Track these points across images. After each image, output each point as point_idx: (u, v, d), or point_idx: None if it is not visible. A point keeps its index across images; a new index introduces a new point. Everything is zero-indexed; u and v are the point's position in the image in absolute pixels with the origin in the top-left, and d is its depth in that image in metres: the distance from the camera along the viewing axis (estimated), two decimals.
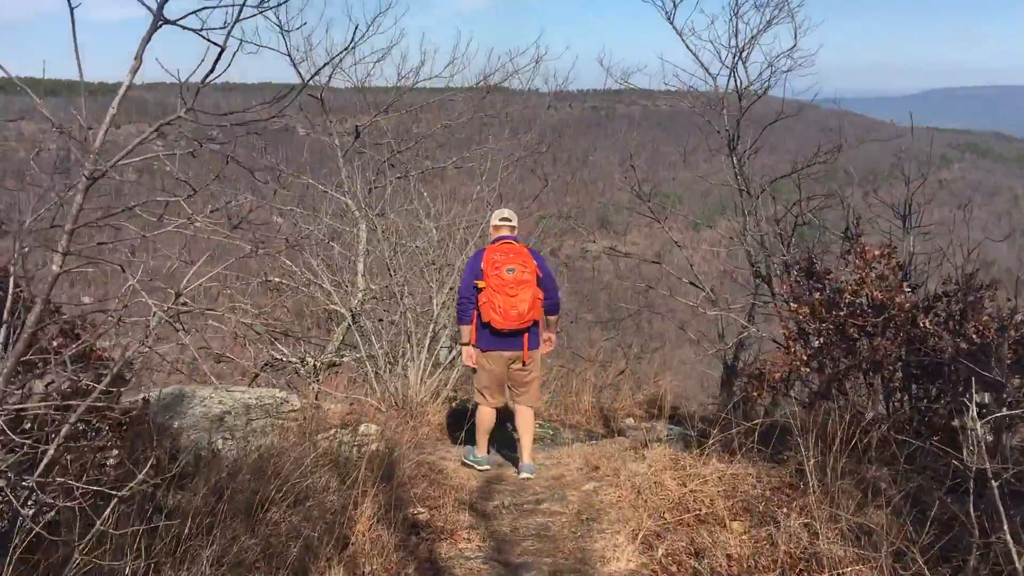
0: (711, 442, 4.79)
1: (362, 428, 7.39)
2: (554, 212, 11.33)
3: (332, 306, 8.83)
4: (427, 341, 7.94)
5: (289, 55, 9.11)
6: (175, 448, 4.59)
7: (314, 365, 10.16)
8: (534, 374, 5.84)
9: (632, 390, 8.65)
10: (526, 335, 5.65)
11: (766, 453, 4.78)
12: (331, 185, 9.44)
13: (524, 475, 5.58)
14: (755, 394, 5.58)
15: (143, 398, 4.71)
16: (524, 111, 11.18)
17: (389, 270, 7.94)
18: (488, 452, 6.06)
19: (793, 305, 5.32)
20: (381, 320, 8.18)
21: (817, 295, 5.30)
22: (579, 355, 11.04)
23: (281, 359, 10.22)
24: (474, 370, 5.92)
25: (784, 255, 7.71)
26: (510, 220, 5.89)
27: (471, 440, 6.22)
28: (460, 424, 7.48)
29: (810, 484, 4.30)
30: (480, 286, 5.57)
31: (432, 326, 7.99)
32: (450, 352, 8.28)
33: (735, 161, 8.38)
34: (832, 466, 4.33)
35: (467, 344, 5.81)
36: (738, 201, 8.78)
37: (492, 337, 5.64)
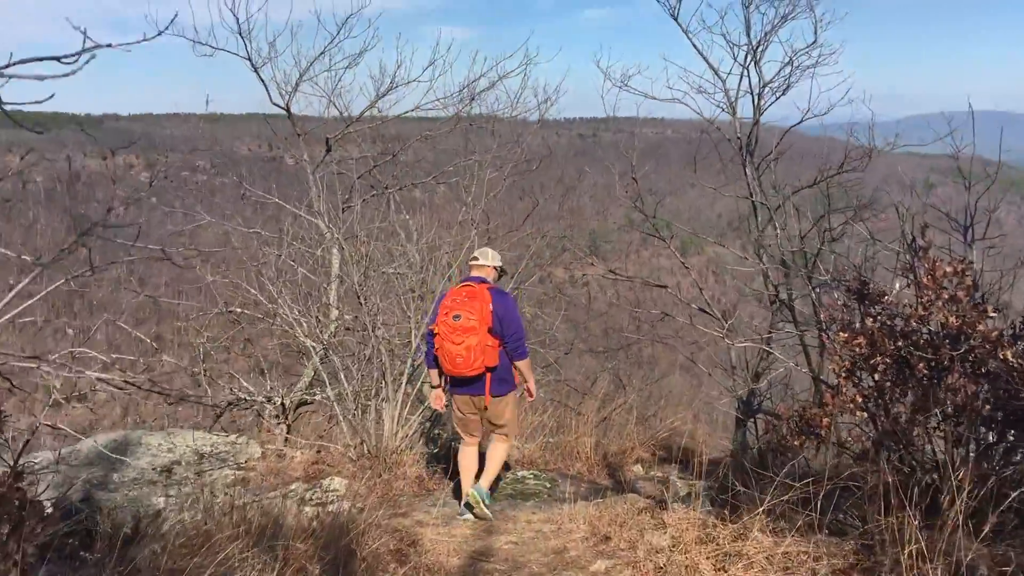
0: (755, 512, 3.77)
1: (326, 482, 6.36)
2: (545, 235, 10.37)
3: (301, 339, 7.80)
4: (404, 379, 6.92)
5: (249, 58, 8.21)
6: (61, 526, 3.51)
7: (282, 404, 9.15)
8: (504, 418, 5.62)
9: (637, 430, 7.63)
10: (488, 379, 5.43)
11: (819, 520, 3.79)
12: (302, 206, 8.48)
13: (472, 492, 5.36)
14: (795, 442, 4.57)
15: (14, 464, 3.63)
16: (511, 130, 10.26)
17: (359, 298, 6.93)
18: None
19: (843, 335, 4.34)
20: (352, 355, 7.15)
21: (870, 321, 4.33)
22: (575, 388, 10.06)
23: (246, 397, 9.20)
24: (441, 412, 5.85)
25: (809, 275, 6.77)
26: (478, 260, 5.71)
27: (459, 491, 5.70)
28: (445, 473, 6.47)
29: (884, 564, 3.32)
30: (434, 331, 5.41)
31: (410, 360, 6.97)
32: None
33: (750, 171, 7.45)
34: (909, 539, 3.35)
35: (435, 387, 5.70)
36: (751, 217, 7.85)
37: (456, 382, 5.51)
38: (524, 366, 5.54)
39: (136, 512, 6.22)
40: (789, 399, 6.87)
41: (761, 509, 3.75)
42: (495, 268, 5.71)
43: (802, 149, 8.90)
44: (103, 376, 2.51)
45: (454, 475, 6.53)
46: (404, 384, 6.95)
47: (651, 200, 8.21)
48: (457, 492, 5.81)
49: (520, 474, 6.43)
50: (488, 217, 9.11)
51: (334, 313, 8.61)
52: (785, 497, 3.71)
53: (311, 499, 6.13)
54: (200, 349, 8.70)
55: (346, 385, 6.94)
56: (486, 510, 5.28)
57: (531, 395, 5.75)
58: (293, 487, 6.38)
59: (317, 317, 8.14)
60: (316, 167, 8.95)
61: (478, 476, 5.58)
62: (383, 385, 6.91)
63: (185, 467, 7.33)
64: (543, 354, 8.89)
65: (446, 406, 5.81)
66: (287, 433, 9.54)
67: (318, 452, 7.19)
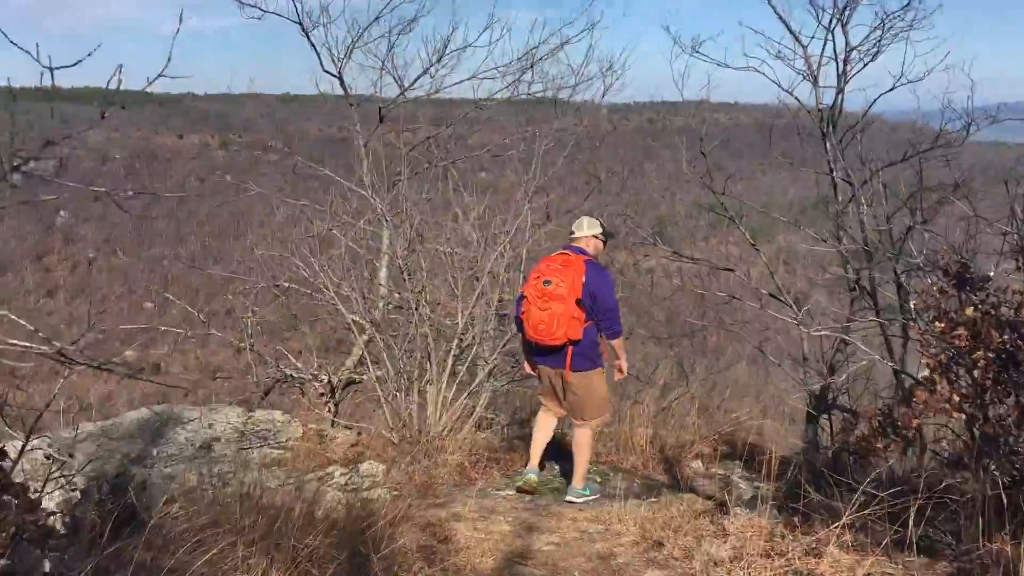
0: (834, 525, 3.26)
1: (364, 467, 6.02)
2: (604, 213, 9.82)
3: (348, 317, 7.47)
4: (450, 361, 6.53)
5: (300, 22, 7.89)
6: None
7: (329, 383, 8.88)
8: (582, 396, 5.34)
9: (697, 422, 7.11)
10: (569, 352, 5.19)
11: (904, 534, 3.26)
12: (353, 180, 8.13)
13: (568, 498, 5.26)
14: (878, 444, 4.02)
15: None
16: (574, 109, 9.68)
17: (403, 273, 6.54)
18: (542, 468, 5.66)
19: (940, 325, 3.78)
20: (395, 335, 6.78)
21: (971, 310, 3.76)
22: (635, 376, 9.56)
23: (292, 375, 8.96)
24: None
25: (896, 257, 6.14)
26: (574, 232, 5.56)
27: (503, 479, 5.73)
28: (492, 461, 6.08)
29: None
30: (524, 294, 5.28)
31: (456, 341, 6.58)
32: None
33: (831, 144, 6.82)
34: (1013, 562, 2.82)
35: (525, 352, 5.62)
36: (831, 196, 7.21)
37: (538, 351, 5.35)
38: (617, 345, 5.34)
39: (168, 490, 6.00)
40: (868, 395, 6.27)
41: (842, 522, 3.23)
42: (596, 236, 5.52)
43: (880, 136, 8.19)
44: (29, 345, 2.15)
45: (505, 460, 6.17)
46: (450, 366, 6.57)
47: (720, 178, 7.60)
48: (562, 460, 5.87)
49: (562, 470, 5.98)
50: (547, 193, 8.64)
51: (383, 291, 8.28)
52: (869, 510, 3.19)
53: (347, 484, 5.81)
54: (247, 324, 8.48)
55: (389, 366, 6.58)
56: (589, 496, 5.28)
57: (622, 372, 5.51)
58: (330, 470, 6.07)
59: (363, 294, 7.81)
60: (368, 139, 8.61)
61: (543, 463, 5.53)
62: (427, 367, 6.54)
63: (225, 444, 7.09)
64: None
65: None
66: (334, 413, 9.29)
67: (359, 434, 6.86)
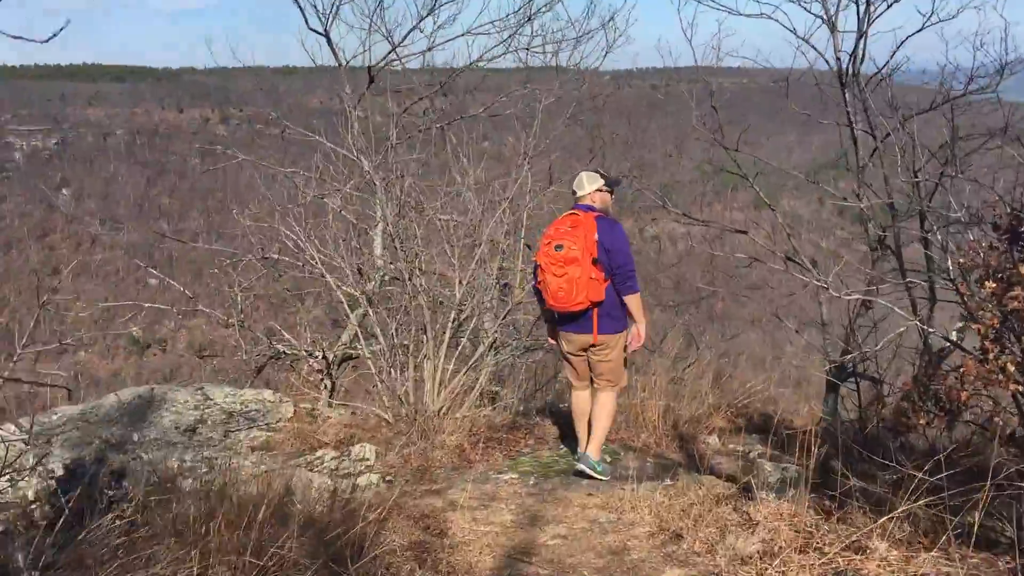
0: (884, 516, 2.84)
1: (356, 449, 5.62)
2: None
3: (341, 288, 7.04)
4: (447, 333, 6.12)
5: None
6: None
7: (324, 358, 8.47)
8: (610, 359, 5.09)
9: (710, 394, 6.69)
10: (595, 314, 4.95)
11: (956, 525, 2.85)
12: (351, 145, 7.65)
13: (579, 467, 4.99)
14: (919, 420, 3.60)
15: None
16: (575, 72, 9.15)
17: (393, 241, 6.11)
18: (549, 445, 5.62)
19: (992, 285, 3.34)
20: (389, 307, 6.36)
21: None
22: (643, 345, 9.14)
23: (285, 351, 8.56)
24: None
25: (924, 213, 5.69)
26: (576, 191, 5.22)
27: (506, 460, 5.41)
28: (495, 442, 5.68)
29: None
30: (538, 262, 5.06)
31: (454, 313, 6.15)
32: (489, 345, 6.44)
33: (851, 94, 6.34)
34: None
35: (547, 322, 5.43)
36: (850, 150, 6.74)
37: (563, 318, 5.09)
38: (633, 301, 5.01)
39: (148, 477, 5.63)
40: (899, 361, 5.85)
41: (897, 512, 2.81)
42: (600, 190, 5.20)
43: (905, 89, 7.64)
44: None
45: (508, 440, 5.76)
46: (448, 340, 6.15)
47: (733, 134, 7.11)
48: (571, 438, 5.53)
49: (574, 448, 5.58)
50: (548, 156, 8.17)
51: (378, 262, 7.86)
52: (921, 500, 2.76)
53: (337, 469, 5.42)
54: (234, 298, 8.06)
55: (382, 340, 6.17)
56: (601, 476, 4.95)
57: (640, 338, 5.14)
58: (320, 453, 5.67)
59: (359, 267, 7.38)
60: (357, 102, 8.13)
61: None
62: (424, 341, 6.13)
63: (211, 427, 6.71)
64: None
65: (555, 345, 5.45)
66: (331, 391, 8.91)
67: (353, 414, 6.47)
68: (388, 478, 5.07)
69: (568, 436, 5.78)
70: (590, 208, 5.07)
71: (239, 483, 3.61)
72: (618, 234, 4.96)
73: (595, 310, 4.93)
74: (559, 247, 4.86)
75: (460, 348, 6.28)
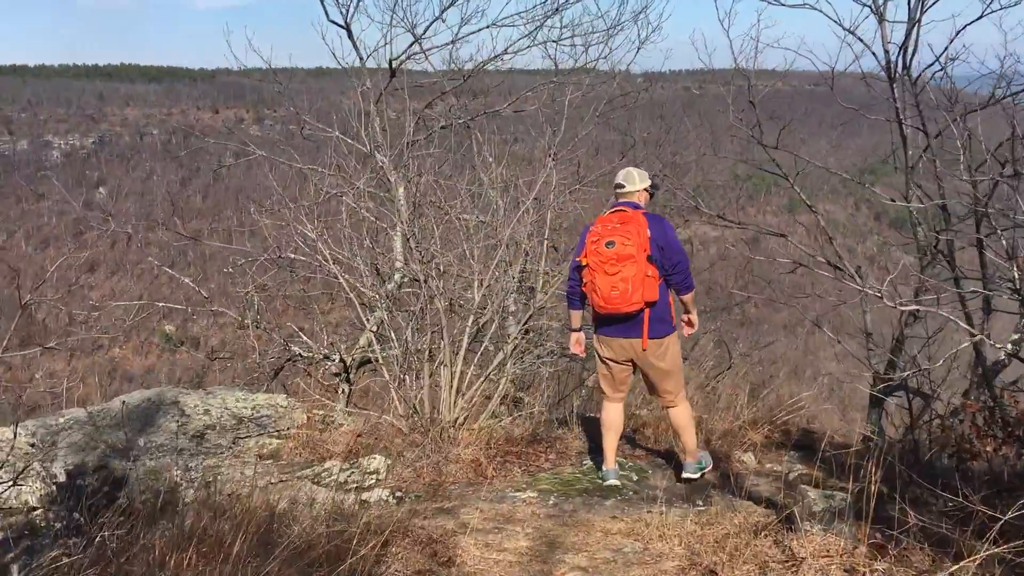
0: (954, 569, 2.45)
1: (366, 462, 5.30)
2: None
3: (358, 290, 6.73)
4: (465, 339, 5.78)
5: None
6: None
7: (342, 362, 8.19)
8: (664, 366, 4.79)
9: (745, 406, 6.28)
10: (646, 317, 4.65)
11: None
12: (366, 141, 7.34)
13: (685, 475, 4.90)
14: (986, 447, 3.19)
15: None
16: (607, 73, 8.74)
17: (409, 241, 5.78)
18: (614, 464, 5.00)
19: None
20: (404, 310, 6.04)
21: None
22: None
23: (301, 353, 8.28)
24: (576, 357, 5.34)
25: (982, 216, 5.25)
26: (624, 186, 4.95)
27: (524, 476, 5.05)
28: (516, 456, 5.32)
29: None
30: (583, 263, 4.71)
31: (472, 318, 5.81)
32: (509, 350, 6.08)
33: (899, 87, 5.90)
34: None
35: (574, 330, 5.11)
36: (899, 148, 6.31)
37: (608, 322, 4.77)
38: (690, 299, 4.92)
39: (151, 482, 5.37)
40: (954, 376, 5.42)
41: (980, 556, 2.41)
42: (645, 190, 5.00)
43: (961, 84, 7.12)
44: None
45: (527, 454, 5.40)
46: (466, 346, 5.81)
47: (760, 155, 6.73)
48: (596, 453, 5.29)
49: (598, 463, 5.21)
50: (576, 154, 7.80)
51: (398, 263, 7.56)
52: (1006, 547, 2.36)
53: (345, 482, 5.09)
54: (249, 299, 7.79)
55: (397, 346, 5.85)
56: (706, 469, 5.01)
57: (692, 326, 5.04)
58: (328, 465, 5.36)
59: (376, 266, 7.08)
60: (378, 97, 7.82)
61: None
62: (440, 347, 5.79)
63: (220, 433, 6.44)
64: None
65: (586, 353, 5.25)
66: (348, 396, 8.62)
67: (365, 422, 6.15)
68: (398, 493, 4.73)
69: (593, 451, 5.41)
70: (636, 205, 4.82)
71: (225, 503, 3.29)
72: (669, 230, 4.74)
73: (646, 312, 4.65)
74: (610, 244, 4.57)
75: (479, 354, 5.94)
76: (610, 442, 4.96)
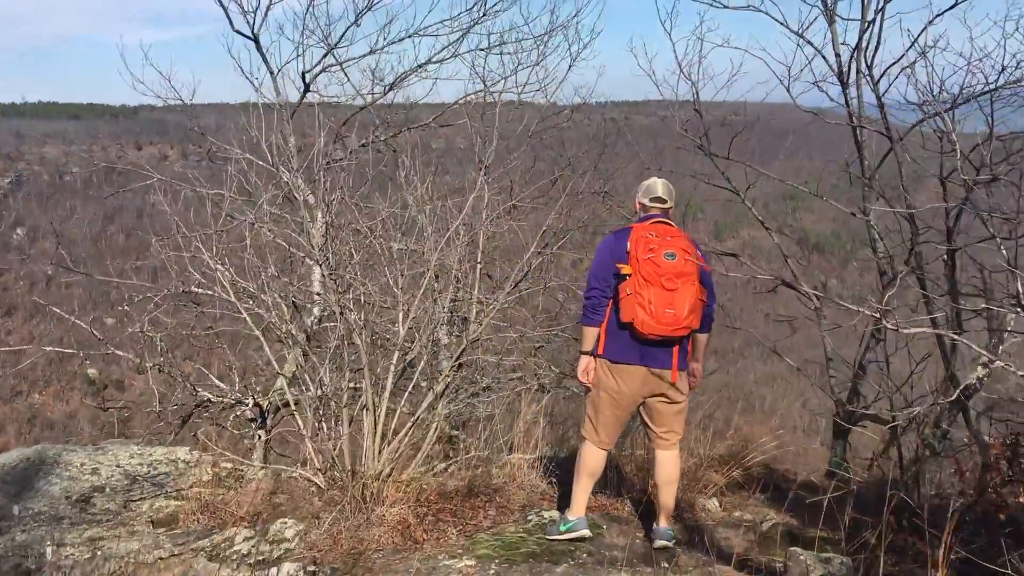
0: None
1: (275, 528, 4.52)
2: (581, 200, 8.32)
3: (276, 326, 5.97)
4: (390, 378, 5.07)
5: None
6: None
7: (258, 405, 7.42)
8: (683, 402, 4.27)
9: (705, 442, 5.70)
10: (677, 349, 4.11)
11: None
12: (279, 161, 6.60)
13: (660, 543, 4.16)
14: (1020, 498, 2.63)
15: None
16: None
17: (319, 266, 5.07)
18: (584, 512, 4.30)
19: None
20: (318, 348, 5.32)
21: None
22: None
23: (211, 399, 7.47)
24: (588, 389, 4.27)
25: (951, 232, 4.82)
26: (664, 199, 4.31)
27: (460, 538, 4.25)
28: (443, 510, 4.62)
29: None
30: (624, 272, 4.02)
31: (397, 354, 5.12)
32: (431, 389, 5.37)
33: (857, 88, 5.47)
34: None
35: (587, 353, 4.22)
36: (856, 156, 5.89)
37: (632, 345, 4.07)
38: (706, 340, 4.38)
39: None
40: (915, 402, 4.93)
41: None
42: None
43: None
44: None
45: (464, 510, 4.70)
46: (391, 386, 5.10)
47: (686, 184, 6.29)
48: (544, 505, 4.75)
49: (547, 516, 4.54)
50: (509, 177, 7.19)
51: (317, 295, 6.83)
52: None
53: (249, 554, 4.32)
54: (148, 339, 6.95)
55: (311, 388, 5.11)
56: (672, 543, 4.17)
57: (698, 378, 4.37)
58: (230, 533, 4.56)
59: (292, 299, 6.34)
60: (292, 113, 7.14)
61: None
62: (362, 387, 5.07)
63: (109, 495, 5.58)
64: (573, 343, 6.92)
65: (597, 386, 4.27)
66: (266, 445, 7.81)
67: (277, 478, 5.38)
68: (311, 567, 3.98)
69: (536, 504, 4.75)
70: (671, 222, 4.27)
71: None
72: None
73: (687, 341, 4.14)
74: (671, 255, 3.98)
75: (408, 394, 5.24)
76: (587, 489, 4.30)
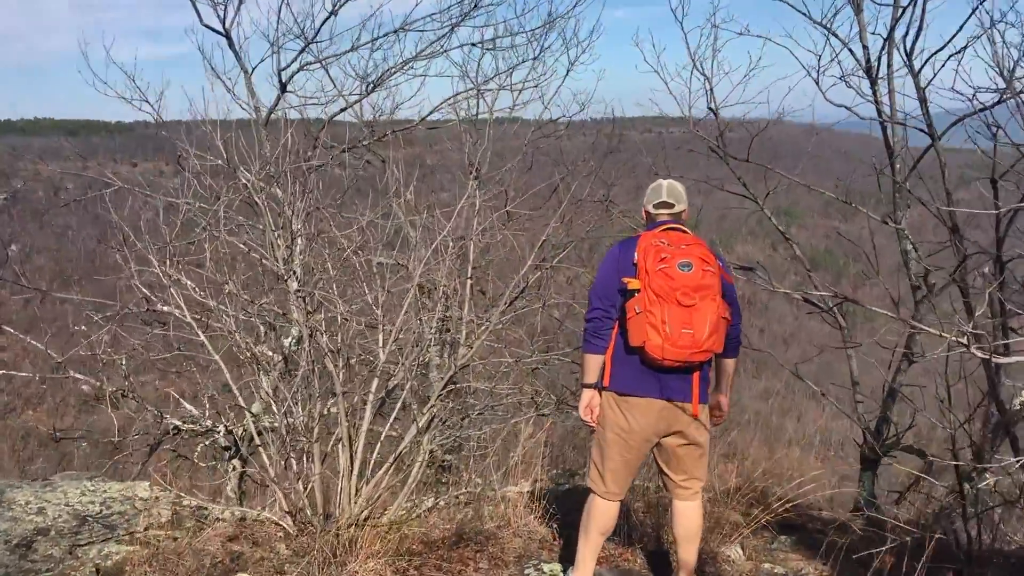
0: None
1: None
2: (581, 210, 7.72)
3: (249, 348, 5.35)
4: (368, 409, 4.48)
5: None
6: None
7: (231, 433, 6.85)
8: (705, 442, 3.59)
9: (726, 478, 5.11)
10: (696, 376, 3.44)
11: None
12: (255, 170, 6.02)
13: None
14: None
15: None
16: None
17: (282, 280, 4.47)
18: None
19: None
20: (295, 369, 4.73)
21: None
22: None
23: (179, 427, 6.89)
24: (593, 429, 3.64)
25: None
26: (671, 203, 3.66)
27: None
28: (425, 565, 4.01)
29: None
30: (631, 287, 3.36)
31: (376, 382, 4.52)
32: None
33: (887, 88, 4.92)
34: None
35: (589, 385, 3.57)
36: (887, 159, 5.34)
37: (643, 373, 3.42)
38: (732, 367, 3.73)
39: None
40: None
41: None
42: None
43: (832, 143, 6.20)
44: None
45: (449, 560, 4.09)
46: (369, 417, 4.50)
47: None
48: (543, 555, 4.14)
49: (548, 570, 3.93)
50: (502, 184, 6.62)
51: (295, 315, 6.24)
52: None
53: None
54: (111, 361, 6.35)
55: (279, 418, 4.50)
56: None
57: (723, 413, 3.73)
58: None
59: (270, 322, 5.75)
60: (268, 115, 6.58)
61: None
62: (337, 420, 4.47)
63: (54, 539, 4.95)
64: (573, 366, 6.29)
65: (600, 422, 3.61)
66: (240, 478, 7.24)
67: (241, 520, 4.76)
68: None
69: (534, 553, 4.14)
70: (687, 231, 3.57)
71: None
72: (726, 269, 3.55)
73: (698, 370, 3.44)
74: (687, 266, 3.30)
75: (388, 427, 4.63)
76: (596, 548, 3.66)
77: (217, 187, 5.68)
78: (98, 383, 6.30)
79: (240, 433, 6.71)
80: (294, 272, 4.54)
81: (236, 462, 7.22)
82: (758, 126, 5.83)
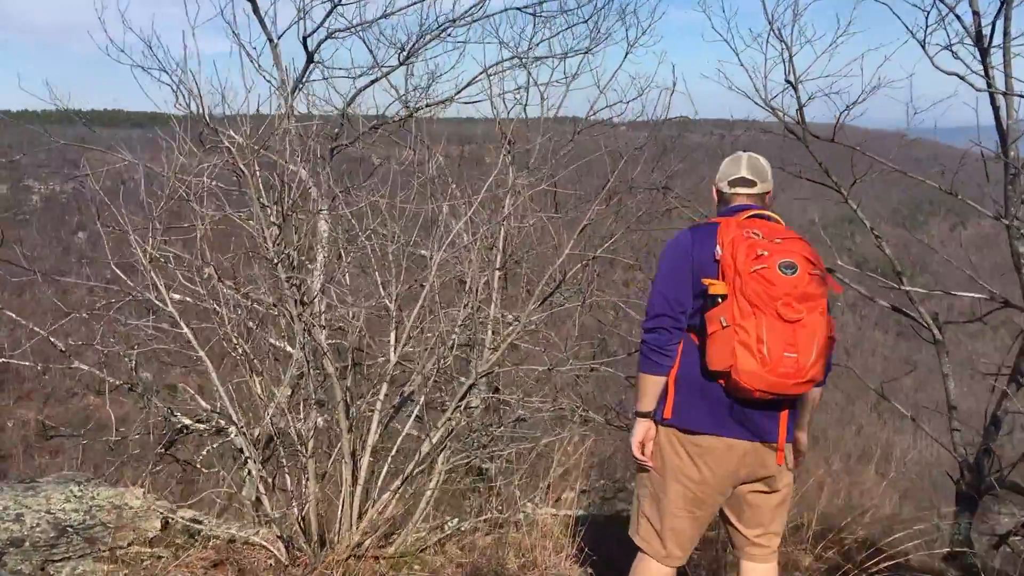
0: None
1: None
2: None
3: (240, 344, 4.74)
4: (375, 419, 3.83)
5: None
6: None
7: (244, 435, 6.26)
8: (787, 492, 2.78)
9: (805, 513, 4.35)
10: (786, 413, 2.61)
11: None
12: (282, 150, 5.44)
13: None
14: None
15: None
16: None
17: (275, 263, 3.83)
18: None
19: None
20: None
21: None
22: None
23: (188, 424, 6.36)
24: (644, 469, 2.77)
25: None
26: (753, 183, 2.82)
27: None
28: None
29: None
30: (714, 291, 2.52)
31: (385, 387, 3.87)
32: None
33: (1007, 40, 4.11)
34: None
35: (645, 415, 2.70)
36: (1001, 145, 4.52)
37: (719, 406, 2.57)
38: (819, 397, 2.83)
39: None
40: None
41: None
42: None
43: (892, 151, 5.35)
44: None
45: None
46: (375, 429, 3.85)
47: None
48: None
49: None
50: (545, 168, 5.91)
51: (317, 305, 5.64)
52: None
53: None
54: (128, 355, 5.83)
55: (264, 427, 3.88)
56: None
57: (803, 453, 2.90)
58: None
59: (290, 313, 5.14)
60: (293, 88, 6.00)
61: None
62: (338, 430, 3.83)
63: (27, 552, 4.40)
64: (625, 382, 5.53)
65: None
66: (261, 483, 6.65)
67: (230, 543, 4.14)
68: None
69: None
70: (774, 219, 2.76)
71: None
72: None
73: (791, 406, 2.65)
74: (790, 267, 2.47)
75: (397, 443, 3.98)
76: None
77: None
78: (130, 382, 5.79)
79: (257, 433, 6.16)
80: (287, 256, 3.89)
81: (252, 467, 6.68)
82: (845, 100, 4.99)
